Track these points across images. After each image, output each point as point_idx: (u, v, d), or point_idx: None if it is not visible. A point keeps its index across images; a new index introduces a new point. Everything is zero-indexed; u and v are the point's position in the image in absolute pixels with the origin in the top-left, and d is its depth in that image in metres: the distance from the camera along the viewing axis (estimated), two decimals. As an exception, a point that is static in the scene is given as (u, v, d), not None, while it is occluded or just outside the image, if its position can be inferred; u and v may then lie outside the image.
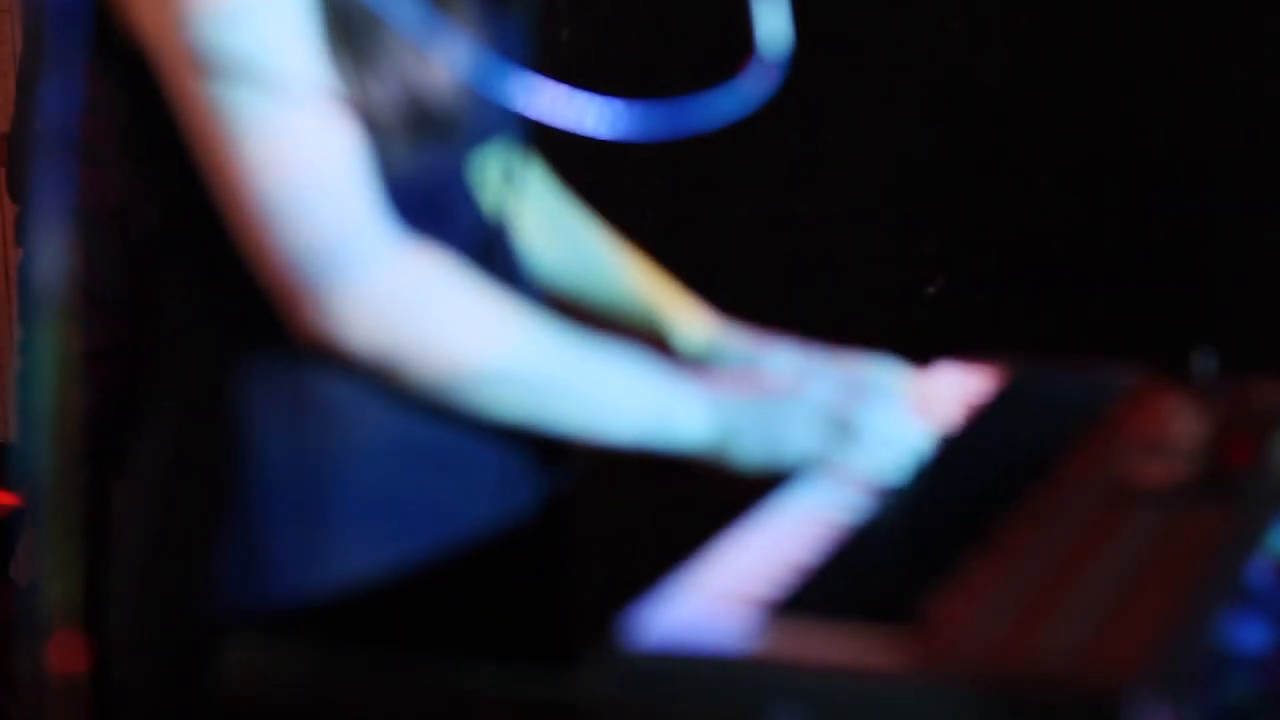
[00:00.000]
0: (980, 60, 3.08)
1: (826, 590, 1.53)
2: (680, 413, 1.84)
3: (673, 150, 2.25)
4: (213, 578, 1.83)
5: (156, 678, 1.89)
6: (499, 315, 1.81)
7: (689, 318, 2.10)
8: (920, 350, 2.12)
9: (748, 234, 2.26)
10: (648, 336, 2.10)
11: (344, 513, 1.83)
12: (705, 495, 2.11)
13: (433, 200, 1.86)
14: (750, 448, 1.84)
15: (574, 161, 2.24)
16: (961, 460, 1.87)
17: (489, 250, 1.92)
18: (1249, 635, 1.64)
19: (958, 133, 3.12)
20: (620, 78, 2.31)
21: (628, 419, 1.83)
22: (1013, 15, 3.06)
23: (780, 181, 3.16)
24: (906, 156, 3.15)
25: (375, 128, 1.79)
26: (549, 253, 2.12)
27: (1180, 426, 1.91)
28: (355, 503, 1.84)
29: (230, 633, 1.80)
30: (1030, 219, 3.10)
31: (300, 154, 1.74)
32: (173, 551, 1.88)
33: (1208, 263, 3.01)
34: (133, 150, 1.89)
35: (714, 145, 2.92)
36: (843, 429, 1.84)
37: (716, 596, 1.51)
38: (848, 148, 3.17)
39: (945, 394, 2.05)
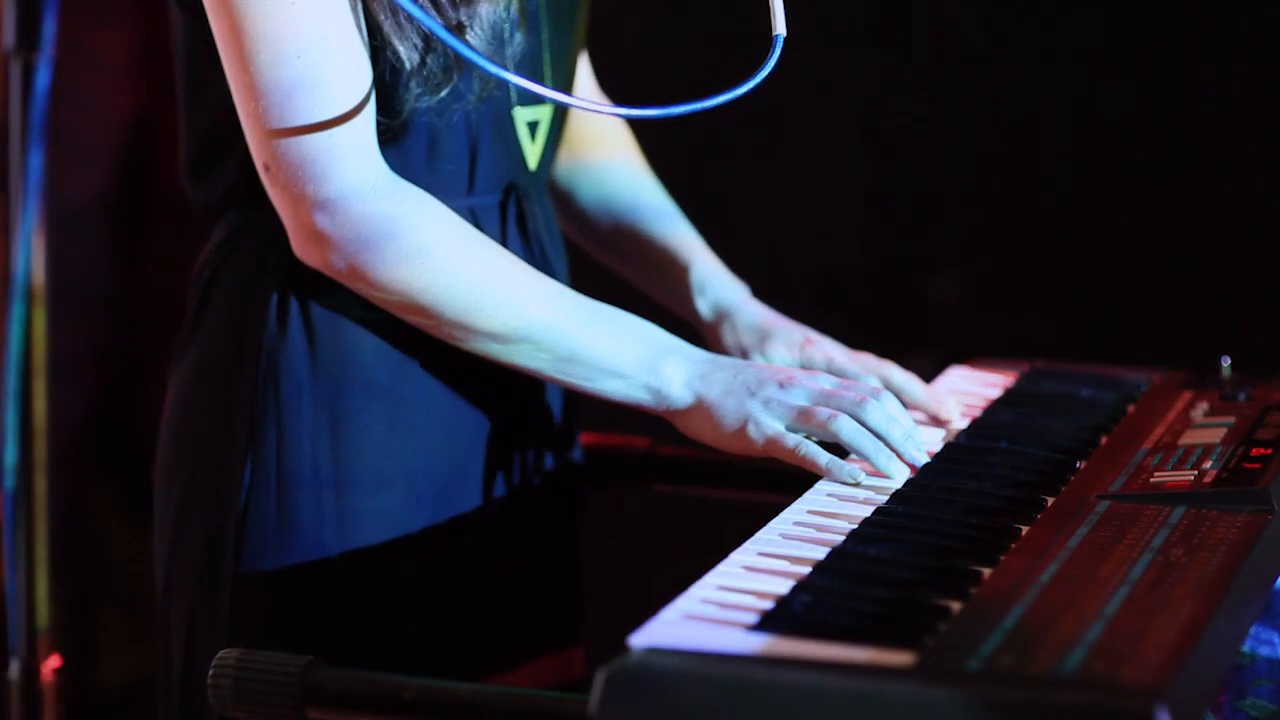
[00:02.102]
0: (995, 54, 3.08)
1: (834, 595, 1.49)
2: (666, 370, 1.85)
3: (674, 148, 2.24)
4: (244, 520, 1.87)
5: (194, 617, 1.92)
6: (477, 258, 1.83)
7: (717, 276, 2.12)
8: (936, 351, 2.10)
9: (752, 232, 2.25)
10: (674, 287, 2.13)
11: (361, 457, 1.88)
12: (708, 499, 2.09)
13: (457, 148, 1.89)
14: (725, 416, 1.84)
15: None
16: (977, 461, 1.83)
17: (515, 200, 1.95)
18: (1270, 642, 1.62)
19: (973, 129, 3.11)
20: (627, 62, 2.30)
21: (612, 371, 1.85)
22: (1031, 6, 3.06)
23: (787, 179, 3.16)
24: (919, 153, 3.14)
25: (401, 75, 1.82)
26: (591, 192, 2.16)
27: (1202, 429, 1.88)
28: (371, 449, 1.88)
29: (258, 586, 1.86)
30: (1047, 218, 3.09)
31: (303, 61, 1.77)
32: (208, 495, 1.91)
33: (1230, 262, 3.00)
34: (183, 68, 1.92)
35: (717, 142, 2.90)
36: (822, 421, 1.82)
37: (721, 602, 1.47)
38: (858, 143, 3.16)
39: (960, 395, 2.03)
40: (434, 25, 1.64)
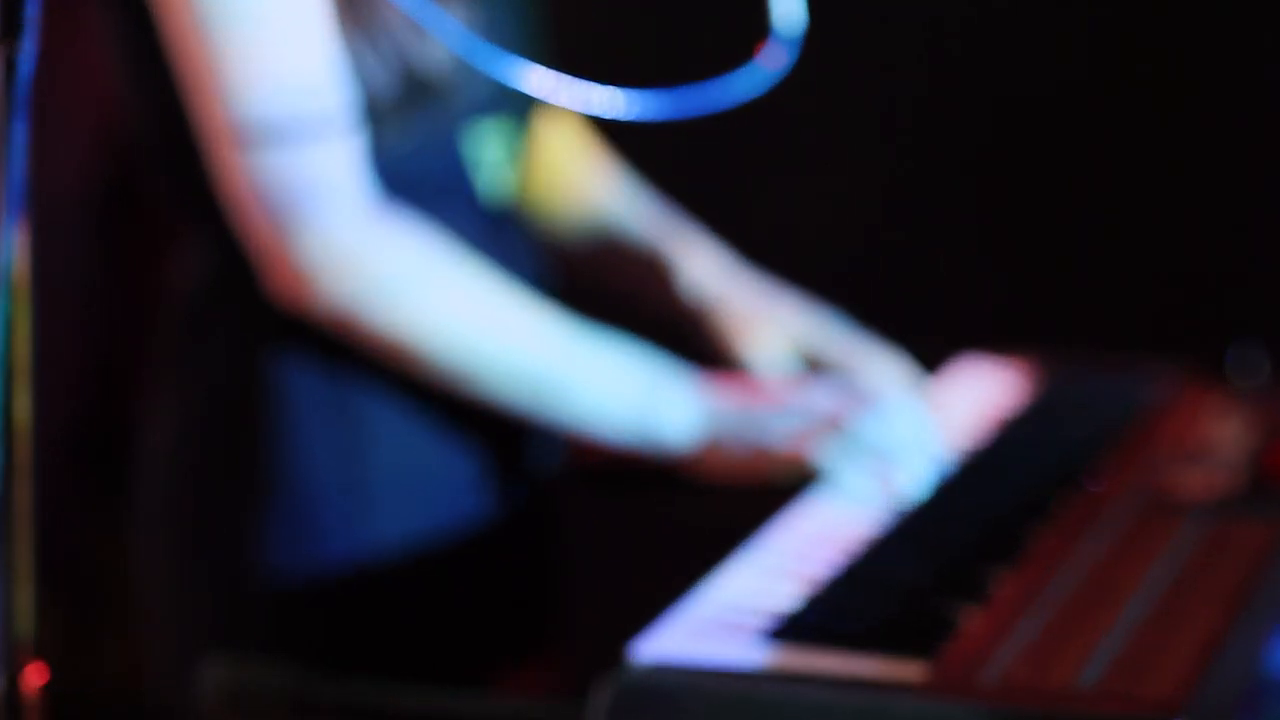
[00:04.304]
0: (1001, 47, 3.08)
1: (843, 605, 1.47)
2: (666, 412, 1.82)
3: (675, 148, 2.23)
4: (262, 544, 1.86)
5: (204, 644, 1.88)
6: (477, 295, 1.81)
7: (698, 260, 2.07)
8: (946, 347, 2.08)
9: (756, 228, 2.24)
10: (653, 275, 2.07)
11: (379, 479, 1.87)
12: (711, 510, 2.07)
13: (430, 175, 1.87)
14: (733, 453, 1.82)
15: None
16: (990, 468, 1.81)
17: (491, 226, 1.93)
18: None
19: (984, 121, 3.11)
20: (629, 58, 2.30)
21: (611, 412, 1.82)
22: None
23: (790, 172, 3.15)
24: (921, 149, 3.14)
25: (371, 99, 1.80)
26: (560, 187, 2.11)
27: (1222, 433, 1.85)
28: (389, 470, 1.87)
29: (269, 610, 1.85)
30: (1061, 210, 3.09)
31: (277, 82, 1.75)
32: (221, 521, 1.89)
33: (1251, 256, 2.99)
34: (133, 84, 1.90)
35: (719, 139, 2.88)
36: (825, 440, 1.80)
37: (725, 612, 1.46)
38: (865, 137, 3.16)
39: (970, 395, 2.00)
40: (438, 24, 1.63)
